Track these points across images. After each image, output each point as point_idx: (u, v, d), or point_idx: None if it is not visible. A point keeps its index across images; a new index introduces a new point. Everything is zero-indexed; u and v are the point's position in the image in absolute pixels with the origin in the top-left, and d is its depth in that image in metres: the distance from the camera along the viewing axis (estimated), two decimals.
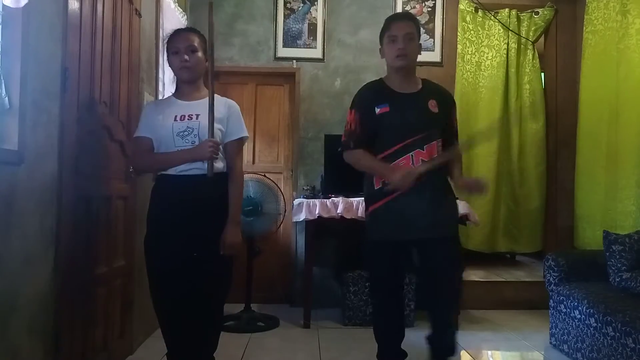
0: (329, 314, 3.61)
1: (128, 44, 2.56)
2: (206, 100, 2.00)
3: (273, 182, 3.61)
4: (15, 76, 1.65)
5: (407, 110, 2.16)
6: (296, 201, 3.35)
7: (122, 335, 2.55)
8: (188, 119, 2.00)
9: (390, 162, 2.13)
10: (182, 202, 1.95)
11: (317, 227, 3.35)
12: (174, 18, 3.34)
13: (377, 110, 2.17)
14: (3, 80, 1.61)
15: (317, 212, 3.23)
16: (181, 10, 3.51)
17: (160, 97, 3.13)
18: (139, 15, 2.70)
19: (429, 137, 2.13)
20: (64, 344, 1.94)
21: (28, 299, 1.73)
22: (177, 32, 2.11)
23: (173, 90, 2.96)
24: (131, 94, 2.61)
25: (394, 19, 2.24)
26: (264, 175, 3.63)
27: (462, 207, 2.97)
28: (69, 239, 1.97)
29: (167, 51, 2.10)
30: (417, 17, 3.97)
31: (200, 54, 2.07)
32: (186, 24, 3.62)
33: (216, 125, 1.99)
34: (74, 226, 2.01)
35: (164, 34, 3.14)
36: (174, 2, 3.36)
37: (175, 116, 2.01)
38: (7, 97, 1.62)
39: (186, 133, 1.98)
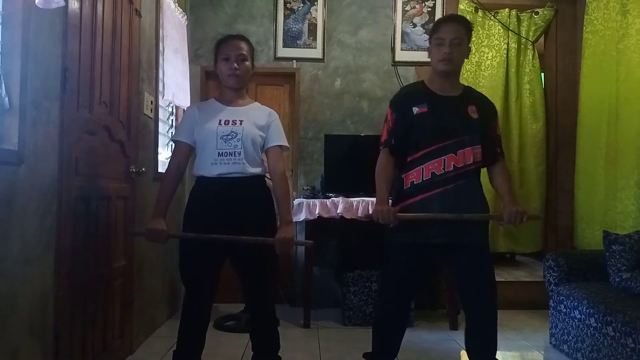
0: (329, 314, 3.61)
1: (128, 44, 2.55)
2: (250, 107, 2.16)
3: None
4: (15, 76, 1.65)
5: (444, 112, 2.10)
6: (296, 201, 3.35)
7: (122, 335, 2.54)
8: (232, 124, 2.08)
9: (423, 164, 2.07)
10: (221, 202, 2.03)
11: (317, 227, 3.35)
12: (174, 18, 3.34)
13: (415, 110, 2.11)
14: (3, 80, 1.61)
15: (317, 212, 3.23)
16: (181, 10, 3.51)
17: (160, 97, 3.14)
18: (139, 15, 2.70)
19: (463, 142, 2.06)
20: (63, 344, 1.94)
21: (28, 299, 1.72)
22: (229, 39, 2.14)
23: (175, 91, 2.96)
24: (131, 94, 2.60)
25: (443, 21, 2.17)
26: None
27: None
28: (69, 239, 1.97)
29: (216, 56, 2.13)
30: (418, 17, 4.00)
31: (248, 62, 2.13)
32: (186, 23, 3.62)
33: (258, 132, 2.10)
34: (74, 226, 2.01)
35: (164, 34, 3.14)
36: (174, 2, 3.36)
37: (220, 120, 2.08)
38: (7, 97, 1.62)
39: (229, 137, 2.06)
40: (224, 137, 2.05)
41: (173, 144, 2.20)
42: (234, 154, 2.05)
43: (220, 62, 2.10)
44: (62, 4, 1.56)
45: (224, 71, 2.09)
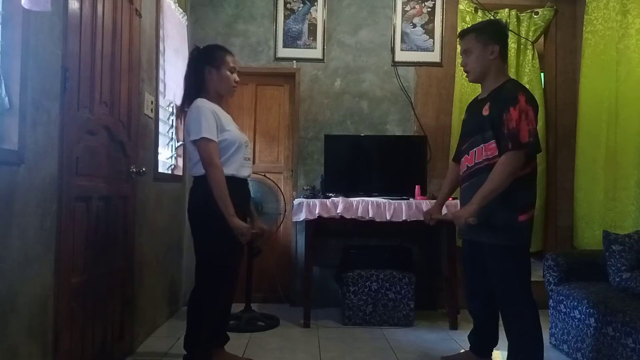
0: (329, 314, 3.61)
1: (128, 44, 2.56)
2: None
3: (273, 182, 3.61)
4: (15, 76, 1.65)
5: (468, 117, 2.40)
6: (296, 201, 3.35)
7: (122, 335, 2.54)
8: (242, 132, 2.38)
9: (458, 167, 2.42)
10: (246, 199, 2.38)
11: (317, 227, 3.36)
12: (174, 18, 3.34)
13: (463, 119, 2.48)
14: (3, 80, 1.62)
15: (317, 212, 3.24)
16: (181, 10, 3.51)
17: (160, 97, 3.14)
18: (139, 15, 2.70)
19: (476, 141, 2.22)
20: (63, 344, 1.94)
21: (28, 299, 1.73)
22: (228, 51, 2.38)
23: (176, 91, 3.15)
24: (131, 94, 2.60)
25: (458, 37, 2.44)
26: (264, 175, 3.63)
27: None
28: (69, 239, 1.97)
29: (218, 62, 2.30)
30: (417, 17, 3.99)
31: None
32: (186, 24, 3.62)
33: None
34: (74, 226, 2.01)
35: (165, 34, 3.14)
36: (174, 2, 3.36)
37: (237, 127, 2.36)
38: (7, 97, 1.62)
39: (246, 144, 2.35)
40: (246, 144, 2.33)
41: (208, 142, 2.16)
42: (250, 159, 2.40)
43: (226, 70, 2.31)
44: (48, 9, 1.56)
45: (229, 81, 2.33)
